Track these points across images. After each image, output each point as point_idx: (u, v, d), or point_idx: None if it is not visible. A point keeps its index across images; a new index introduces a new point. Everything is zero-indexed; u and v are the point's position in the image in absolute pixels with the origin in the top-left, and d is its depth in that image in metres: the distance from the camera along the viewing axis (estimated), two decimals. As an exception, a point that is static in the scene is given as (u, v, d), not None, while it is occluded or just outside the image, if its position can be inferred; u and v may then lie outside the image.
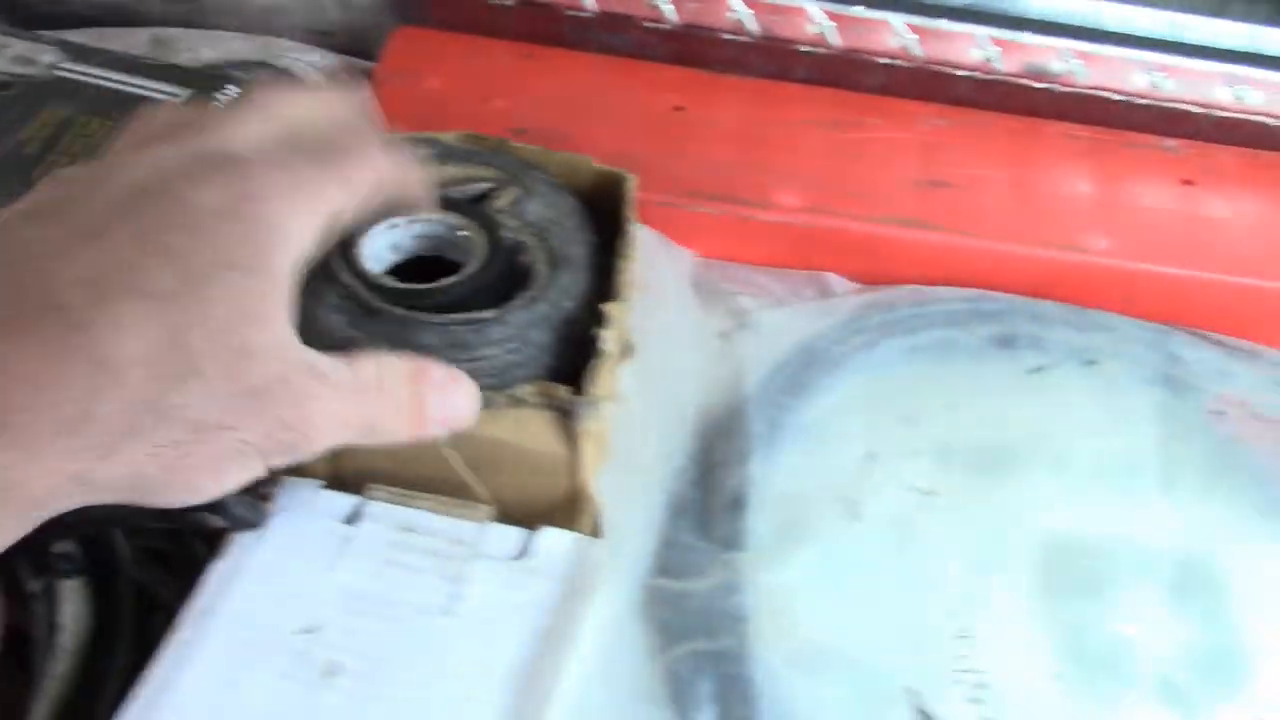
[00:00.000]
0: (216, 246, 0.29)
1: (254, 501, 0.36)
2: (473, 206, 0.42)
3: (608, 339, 0.39)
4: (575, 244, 0.43)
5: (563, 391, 0.38)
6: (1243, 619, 0.42)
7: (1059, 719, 0.40)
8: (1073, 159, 0.57)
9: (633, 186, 0.45)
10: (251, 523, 0.36)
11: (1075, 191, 0.55)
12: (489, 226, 0.41)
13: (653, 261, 0.49)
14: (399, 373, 0.33)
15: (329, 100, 0.36)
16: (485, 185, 0.43)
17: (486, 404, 0.37)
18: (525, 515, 0.38)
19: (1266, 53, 0.59)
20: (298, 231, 0.31)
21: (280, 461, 0.31)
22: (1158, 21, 0.59)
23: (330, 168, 0.33)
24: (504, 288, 0.40)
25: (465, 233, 0.41)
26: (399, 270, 0.41)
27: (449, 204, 0.42)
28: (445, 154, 0.45)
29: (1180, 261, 0.52)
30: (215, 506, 0.33)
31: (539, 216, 0.43)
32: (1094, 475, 0.46)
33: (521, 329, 0.39)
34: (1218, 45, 0.59)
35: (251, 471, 0.31)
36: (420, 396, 0.33)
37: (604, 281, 0.42)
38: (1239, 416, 0.48)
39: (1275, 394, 0.49)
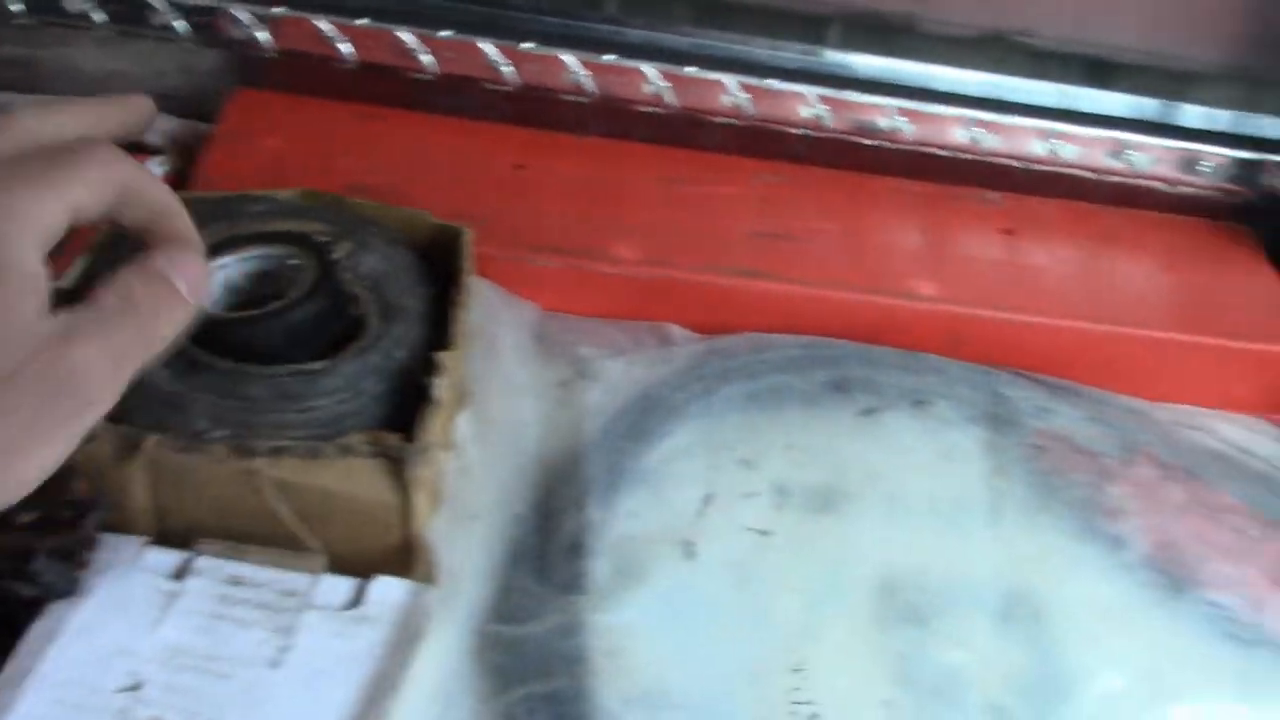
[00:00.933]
0: None
1: (66, 568, 0.36)
2: (302, 237, 0.42)
3: (440, 386, 0.39)
4: (410, 296, 0.43)
5: (392, 439, 0.38)
6: (1064, 643, 0.44)
7: (891, 746, 0.41)
8: (901, 211, 0.60)
9: (469, 240, 0.46)
10: (64, 590, 0.36)
11: (904, 242, 0.58)
12: (319, 252, 0.41)
13: (493, 314, 0.50)
14: (133, 282, 0.33)
15: (75, 113, 0.35)
16: (320, 240, 0.44)
17: (316, 454, 0.37)
18: (359, 564, 0.38)
19: (1079, 110, 0.62)
20: (27, 214, 0.31)
21: (80, 422, 0.30)
22: (978, 82, 0.62)
23: (59, 165, 0.32)
24: (336, 336, 0.40)
25: (295, 261, 0.40)
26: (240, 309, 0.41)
27: (278, 237, 0.42)
28: (279, 210, 0.45)
29: (1003, 306, 0.55)
30: (26, 574, 0.33)
31: (373, 269, 0.43)
32: (925, 511, 0.48)
33: (352, 379, 0.39)
34: (1034, 103, 0.62)
35: (56, 443, 0.30)
36: (164, 286, 0.33)
37: (440, 333, 0.42)
38: (1059, 450, 0.50)
39: (1093, 428, 0.52)
